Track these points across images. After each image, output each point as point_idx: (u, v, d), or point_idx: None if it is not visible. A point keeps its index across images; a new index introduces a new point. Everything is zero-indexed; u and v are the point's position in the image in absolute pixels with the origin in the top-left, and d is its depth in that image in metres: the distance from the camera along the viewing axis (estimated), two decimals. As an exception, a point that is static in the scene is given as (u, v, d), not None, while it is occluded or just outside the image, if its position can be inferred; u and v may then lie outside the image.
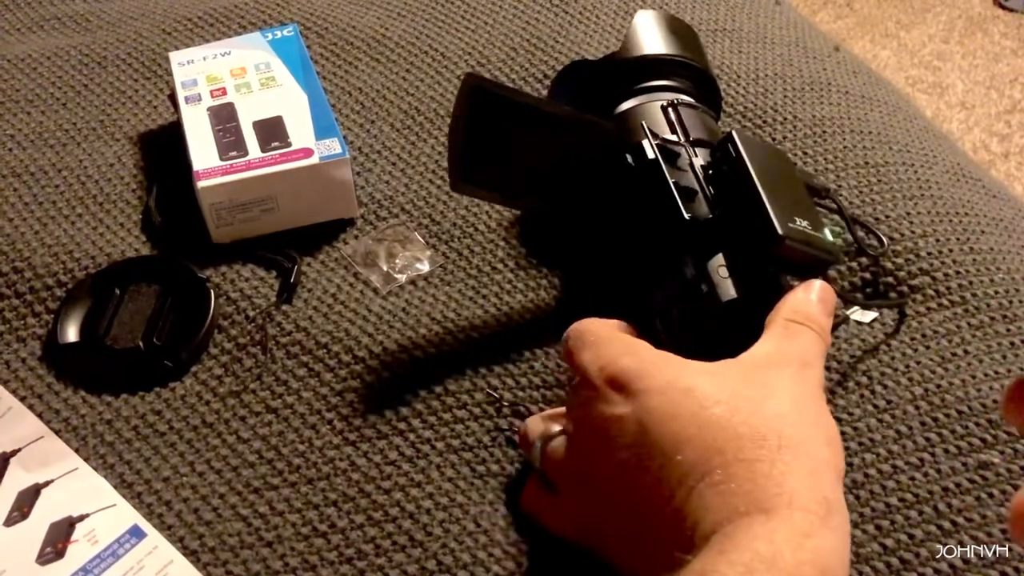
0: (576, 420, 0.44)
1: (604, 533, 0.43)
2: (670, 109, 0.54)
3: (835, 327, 0.55)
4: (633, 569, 0.41)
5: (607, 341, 0.44)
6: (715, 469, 0.37)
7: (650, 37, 0.58)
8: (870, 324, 0.55)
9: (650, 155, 0.50)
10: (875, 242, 0.59)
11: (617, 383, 0.41)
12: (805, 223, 0.46)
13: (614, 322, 0.46)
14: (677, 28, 0.59)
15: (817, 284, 0.46)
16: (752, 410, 0.39)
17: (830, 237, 0.48)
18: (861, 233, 0.59)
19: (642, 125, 0.51)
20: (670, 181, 0.48)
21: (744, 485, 0.37)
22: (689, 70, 0.58)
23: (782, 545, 0.35)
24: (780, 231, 0.45)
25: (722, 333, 0.45)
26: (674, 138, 0.52)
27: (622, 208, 0.52)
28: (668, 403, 0.40)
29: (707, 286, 0.47)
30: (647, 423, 0.39)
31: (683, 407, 0.39)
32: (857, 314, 0.53)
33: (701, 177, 0.49)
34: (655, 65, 0.57)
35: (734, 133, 0.49)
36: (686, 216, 0.48)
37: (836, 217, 0.58)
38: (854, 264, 0.58)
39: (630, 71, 0.57)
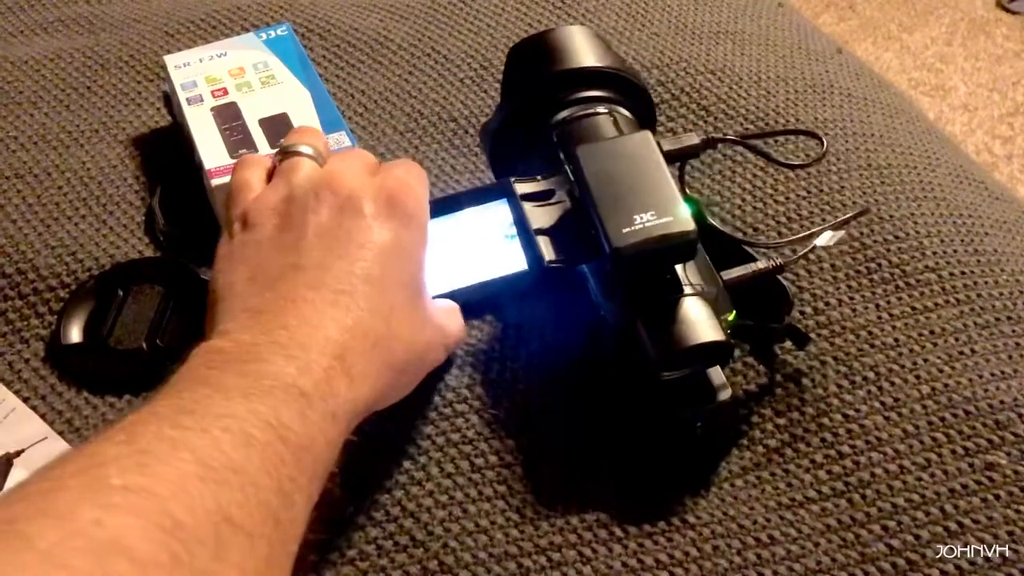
0: (294, 188, 0.45)
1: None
2: (559, 129, 0.53)
3: (797, 260, 0.56)
4: None
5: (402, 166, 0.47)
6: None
7: (583, 49, 0.57)
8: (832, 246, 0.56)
9: (515, 214, 0.51)
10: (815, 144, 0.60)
11: (389, 202, 0.45)
12: (648, 215, 0.46)
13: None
14: (601, 42, 0.58)
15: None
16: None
17: (686, 211, 0.47)
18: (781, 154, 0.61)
19: (511, 181, 0.51)
20: (531, 230, 0.49)
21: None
22: (619, 80, 0.56)
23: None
24: (615, 244, 0.45)
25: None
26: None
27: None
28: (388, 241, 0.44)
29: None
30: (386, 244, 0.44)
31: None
32: (822, 239, 0.52)
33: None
34: (585, 76, 0.55)
35: (577, 151, 0.48)
36: (546, 260, 0.48)
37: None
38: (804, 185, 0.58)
39: (558, 82, 0.55)
